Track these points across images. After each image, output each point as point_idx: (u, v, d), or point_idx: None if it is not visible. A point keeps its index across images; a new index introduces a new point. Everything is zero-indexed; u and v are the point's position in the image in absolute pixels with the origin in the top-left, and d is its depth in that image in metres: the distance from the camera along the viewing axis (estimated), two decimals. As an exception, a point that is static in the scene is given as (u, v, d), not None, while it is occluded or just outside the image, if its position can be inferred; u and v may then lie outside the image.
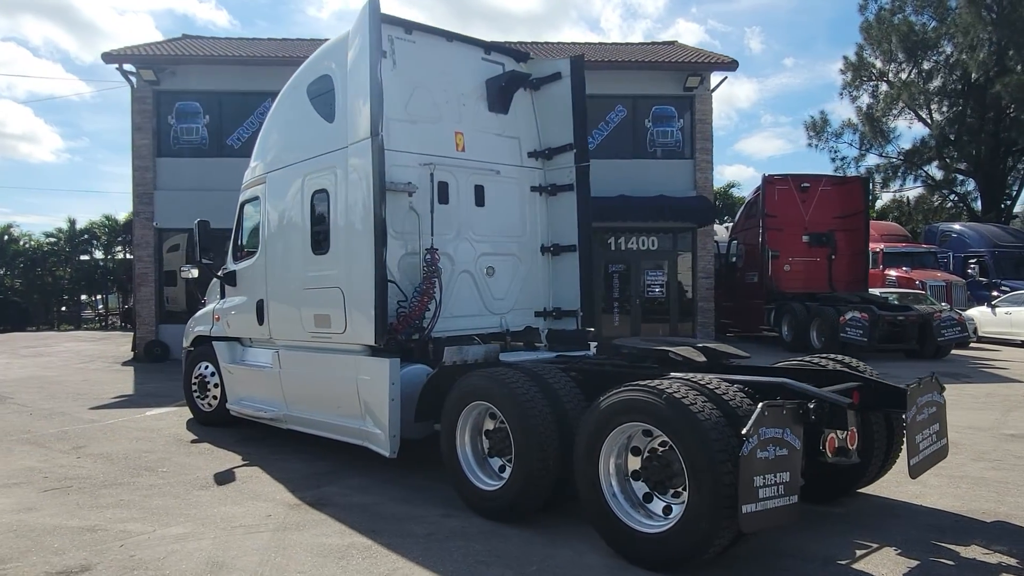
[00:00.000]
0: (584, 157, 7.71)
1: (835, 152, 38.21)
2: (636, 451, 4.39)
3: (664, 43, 22.84)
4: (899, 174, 37.19)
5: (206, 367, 8.93)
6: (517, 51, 7.95)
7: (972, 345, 18.81)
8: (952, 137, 34.17)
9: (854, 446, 4.41)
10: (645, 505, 4.34)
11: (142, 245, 17.54)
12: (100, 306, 36.03)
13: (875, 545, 4.52)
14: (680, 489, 4.14)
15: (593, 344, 7.62)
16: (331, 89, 6.72)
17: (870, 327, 14.57)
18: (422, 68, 6.95)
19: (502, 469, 5.31)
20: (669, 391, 4.04)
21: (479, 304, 7.31)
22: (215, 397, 8.82)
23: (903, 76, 36.08)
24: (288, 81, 7.62)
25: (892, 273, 22.25)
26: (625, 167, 18.37)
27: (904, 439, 4.72)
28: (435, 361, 6.49)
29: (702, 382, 4.20)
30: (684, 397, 3.98)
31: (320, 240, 6.85)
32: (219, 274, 8.54)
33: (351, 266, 6.34)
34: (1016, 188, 34.95)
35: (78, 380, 13.70)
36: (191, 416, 9.33)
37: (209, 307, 9.04)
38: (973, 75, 32.57)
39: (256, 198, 7.98)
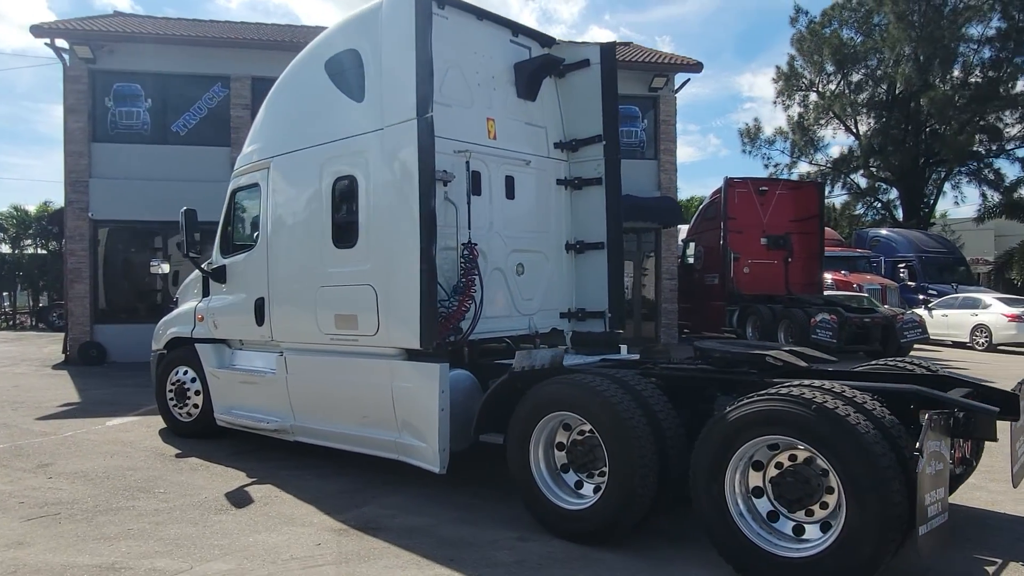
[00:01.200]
0: (615, 150, 7.30)
1: (768, 159, 39.42)
2: (758, 466, 4.02)
3: (622, 43, 22.79)
4: (827, 181, 38.64)
5: (185, 372, 8.03)
6: (543, 35, 7.47)
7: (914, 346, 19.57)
8: (877, 147, 35.77)
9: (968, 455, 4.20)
10: (771, 524, 3.96)
11: (75, 238, 16.02)
12: (7, 304, 33.12)
13: (998, 560, 4.30)
14: (821, 508, 3.79)
15: (624, 347, 7.24)
16: (359, 65, 6.06)
17: (839, 328, 14.84)
18: (455, 47, 6.38)
19: (579, 485, 4.84)
20: (818, 401, 3.67)
21: (509, 304, 6.79)
22: (196, 405, 7.94)
23: (832, 87, 37.56)
24: (297, 58, 6.88)
25: (829, 277, 22.93)
26: (590, 166, 18.12)
27: (1011, 447, 4.53)
28: (472, 366, 5.98)
29: (837, 391, 3.86)
30: (836, 408, 3.63)
31: (345, 232, 6.17)
32: (204, 268, 7.67)
33: (389, 261, 5.71)
34: (934, 197, 36.93)
35: (7, 386, 12.30)
36: (163, 427, 8.41)
37: (188, 306, 8.15)
38: (898, 88, 34.18)
39: (254, 185, 7.19)
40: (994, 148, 34.12)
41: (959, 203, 47.30)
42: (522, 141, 6.93)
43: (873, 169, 37.10)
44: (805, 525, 3.88)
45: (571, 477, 4.89)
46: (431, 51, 5.49)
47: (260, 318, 7.01)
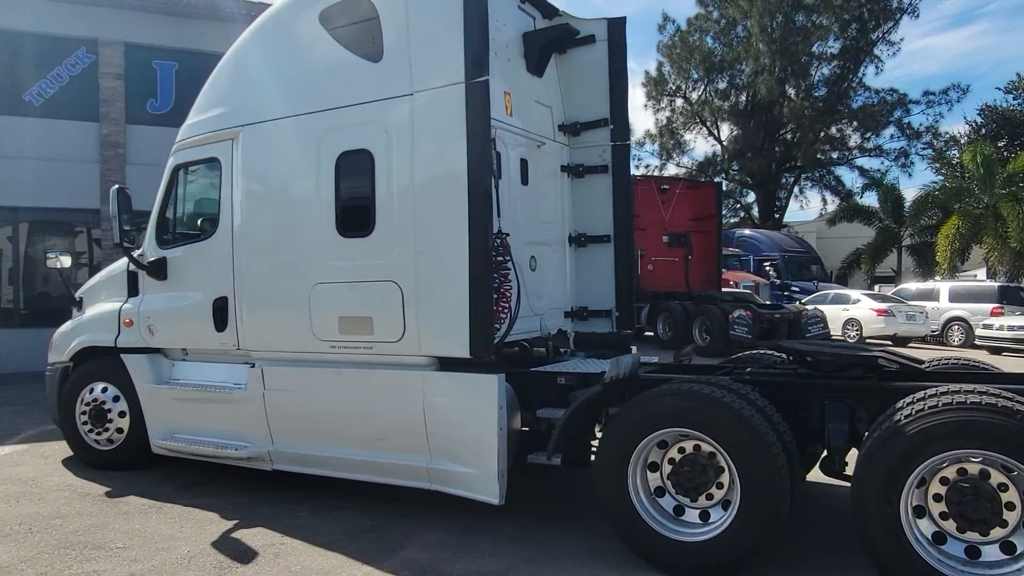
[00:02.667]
0: (625, 135, 6.71)
1: (639, 160, 40.75)
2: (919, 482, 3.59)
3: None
4: (693, 183, 40.62)
5: (103, 390, 6.51)
6: (546, 4, 6.74)
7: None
8: (738, 152, 38.00)
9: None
10: (938, 546, 3.55)
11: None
12: None
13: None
14: (1000, 527, 3.42)
15: (633, 348, 6.68)
16: (370, 17, 5.05)
17: (753, 324, 15.24)
18: None
19: (679, 511, 4.21)
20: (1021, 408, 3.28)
21: (525, 303, 6.02)
22: (120, 430, 6.46)
23: (696, 94, 39.48)
24: (278, 6, 5.69)
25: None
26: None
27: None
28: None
29: (1004, 396, 3.50)
30: (1042, 417, 3.25)
31: (354, 218, 5.14)
32: (139, 261, 6.21)
33: (423, 252, 4.78)
34: (786, 201, 39.84)
35: None
36: (65, 456, 6.85)
37: (104, 308, 6.63)
38: (759, 96, 36.45)
39: (211, 161, 5.91)
40: (836, 157, 37.33)
41: (803, 207, 51.46)
42: (534, 121, 6.17)
43: (734, 173, 39.39)
44: (980, 547, 3.50)
45: (667, 502, 4.24)
46: None
47: (221, 322, 5.75)
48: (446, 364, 4.84)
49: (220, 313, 5.76)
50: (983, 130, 34.12)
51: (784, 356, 5.19)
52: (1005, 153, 30.48)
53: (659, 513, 4.17)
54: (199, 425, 6.01)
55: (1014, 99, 35.43)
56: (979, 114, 35.40)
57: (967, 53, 70.93)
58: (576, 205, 6.76)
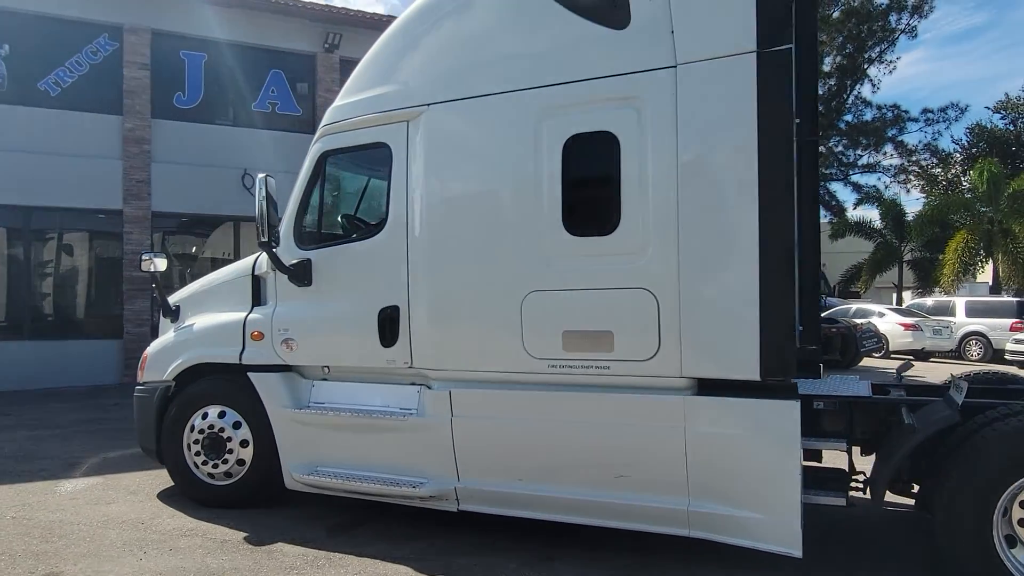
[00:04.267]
0: (814, 130, 6.04)
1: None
2: None
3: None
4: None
5: (221, 415, 5.54)
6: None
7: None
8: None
9: None
10: None
11: None
12: None
13: None
14: None
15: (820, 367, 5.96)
16: (612, -26, 4.26)
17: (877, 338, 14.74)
18: None
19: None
20: None
21: None
22: (241, 462, 5.49)
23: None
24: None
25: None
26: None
27: None
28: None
29: None
30: None
31: (591, 214, 4.34)
32: (283, 263, 5.24)
33: (694, 254, 3.98)
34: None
35: None
36: (160, 488, 5.91)
37: (221, 318, 5.66)
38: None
39: (377, 146, 5.02)
40: (832, 173, 37.51)
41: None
42: None
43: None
44: None
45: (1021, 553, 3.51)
46: None
47: (390, 336, 4.86)
48: (709, 387, 4.05)
49: (388, 325, 4.87)
50: (974, 149, 34.72)
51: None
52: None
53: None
54: (353, 457, 5.09)
55: (1001, 119, 36.23)
56: (968, 133, 36.10)
57: (908, 78, 73.72)
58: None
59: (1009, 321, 21.56)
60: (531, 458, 4.49)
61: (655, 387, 4.14)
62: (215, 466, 5.53)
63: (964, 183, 32.42)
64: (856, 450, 4.34)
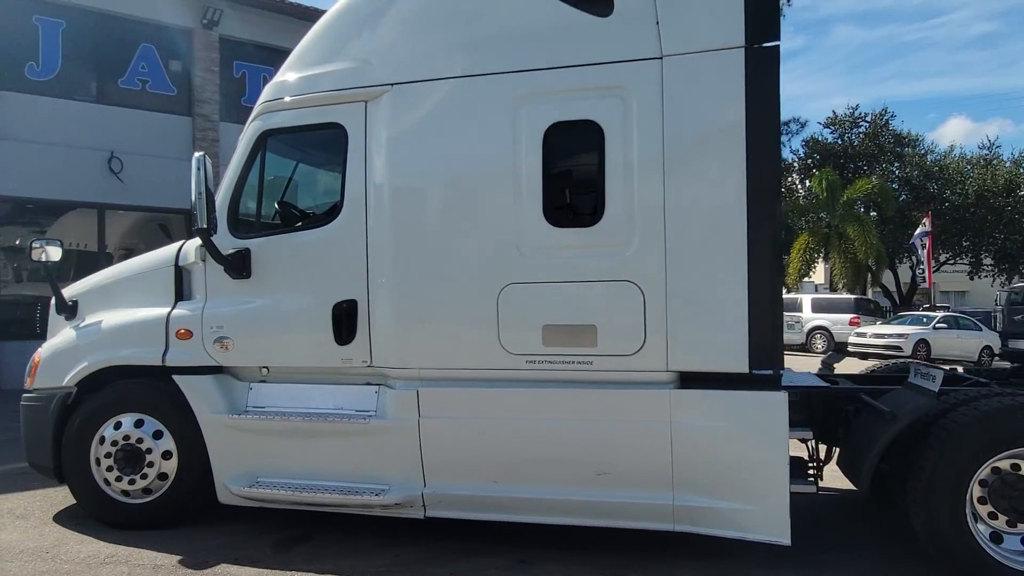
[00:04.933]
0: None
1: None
2: None
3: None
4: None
5: (138, 424, 4.92)
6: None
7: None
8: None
9: None
10: None
11: None
12: None
13: None
14: None
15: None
16: (592, -40, 4.19)
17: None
18: None
19: (996, 539, 3.79)
20: None
21: None
22: (163, 476, 4.91)
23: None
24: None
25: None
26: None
27: None
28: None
29: None
30: None
31: (574, 204, 4.24)
32: (221, 253, 4.69)
33: (681, 246, 3.98)
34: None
35: None
36: (53, 510, 5.20)
37: (136, 315, 5.03)
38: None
39: (328, 127, 4.65)
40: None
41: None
42: None
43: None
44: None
45: (983, 528, 3.81)
46: None
47: (347, 333, 4.52)
48: (691, 380, 4.08)
49: (344, 321, 4.52)
50: (809, 160, 38.07)
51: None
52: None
53: (999, 546, 3.72)
54: (300, 465, 4.68)
55: (831, 133, 40.00)
56: (804, 145, 39.54)
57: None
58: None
59: (848, 316, 23.89)
60: (506, 458, 4.33)
61: (639, 381, 4.12)
62: (131, 482, 4.90)
63: (800, 191, 35.35)
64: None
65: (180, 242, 5.11)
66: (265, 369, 4.88)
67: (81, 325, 5.23)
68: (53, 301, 5.60)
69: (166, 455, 4.90)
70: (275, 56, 14.50)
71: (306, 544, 4.68)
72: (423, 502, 4.45)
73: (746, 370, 3.91)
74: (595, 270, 4.13)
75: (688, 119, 4.00)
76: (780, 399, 3.88)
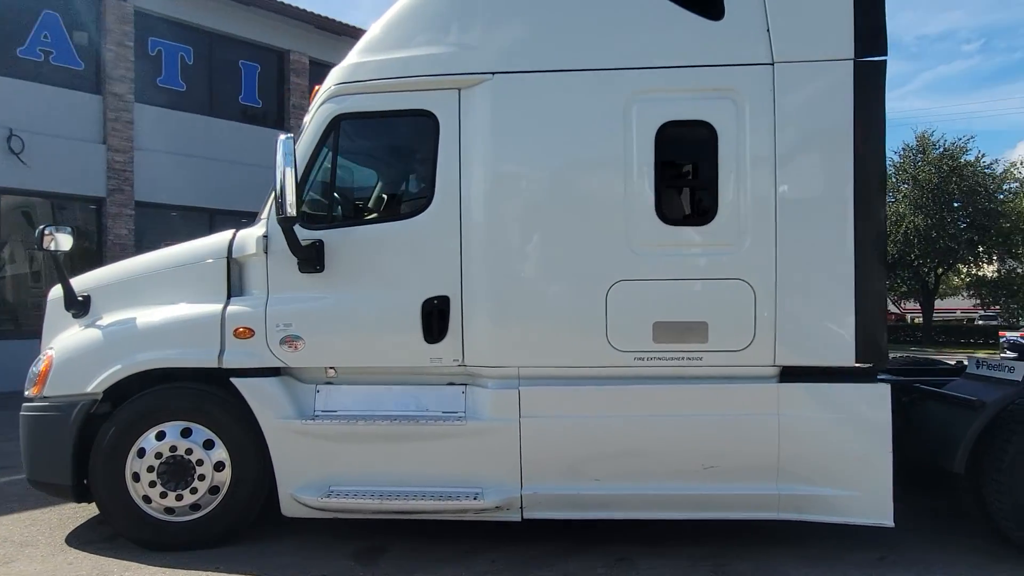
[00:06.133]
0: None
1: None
2: None
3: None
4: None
5: (185, 432, 4.44)
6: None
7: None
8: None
9: None
10: None
11: None
12: None
13: None
14: None
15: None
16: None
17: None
18: None
19: None
20: None
21: None
22: (215, 489, 4.46)
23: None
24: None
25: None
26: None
27: None
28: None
29: None
30: None
31: (687, 203, 4.29)
32: (300, 245, 4.30)
33: (792, 244, 4.14)
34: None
35: None
36: (63, 530, 4.62)
37: (186, 311, 4.53)
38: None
39: (416, 113, 4.42)
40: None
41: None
42: None
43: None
44: None
45: None
46: None
47: (438, 330, 4.33)
48: (795, 374, 4.26)
49: (436, 318, 4.32)
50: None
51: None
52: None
53: None
54: (380, 471, 4.41)
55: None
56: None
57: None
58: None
59: None
60: (611, 455, 4.30)
61: (748, 376, 4.24)
62: (178, 497, 4.41)
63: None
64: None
65: (229, 231, 4.66)
66: (332, 370, 4.55)
67: (103, 324, 4.64)
68: (52, 295, 4.96)
69: (218, 466, 4.44)
70: (195, 36, 13.57)
71: (386, 554, 4.42)
72: (521, 503, 4.33)
73: (853, 364, 4.13)
74: (707, 267, 4.22)
75: (799, 123, 4.17)
76: (884, 391, 4.13)
